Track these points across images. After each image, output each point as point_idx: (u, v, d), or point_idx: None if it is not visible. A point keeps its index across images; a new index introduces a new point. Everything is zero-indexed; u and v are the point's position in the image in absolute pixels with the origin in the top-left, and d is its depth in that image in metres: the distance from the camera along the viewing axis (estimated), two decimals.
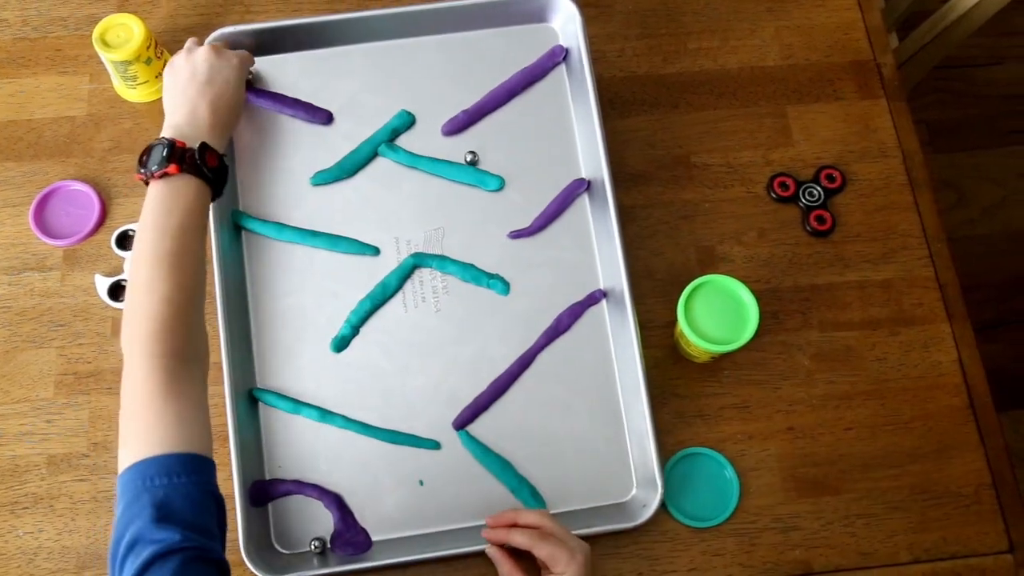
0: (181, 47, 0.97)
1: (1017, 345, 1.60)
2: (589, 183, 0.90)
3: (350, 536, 0.81)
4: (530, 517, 0.74)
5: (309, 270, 0.88)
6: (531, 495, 0.82)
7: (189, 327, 0.70)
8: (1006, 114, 1.75)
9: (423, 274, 0.88)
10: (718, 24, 1.01)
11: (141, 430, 0.65)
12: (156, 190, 0.74)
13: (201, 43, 0.86)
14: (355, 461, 0.84)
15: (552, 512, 0.82)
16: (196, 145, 0.76)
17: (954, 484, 0.86)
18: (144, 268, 0.70)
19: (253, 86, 0.92)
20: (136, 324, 0.68)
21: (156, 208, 0.73)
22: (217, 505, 0.65)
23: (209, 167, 0.76)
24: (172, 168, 0.73)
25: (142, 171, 0.74)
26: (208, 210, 0.78)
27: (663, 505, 0.82)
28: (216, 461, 0.83)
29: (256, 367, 0.86)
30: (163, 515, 0.60)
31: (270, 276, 0.88)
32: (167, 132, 0.77)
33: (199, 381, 0.70)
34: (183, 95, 0.80)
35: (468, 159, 0.90)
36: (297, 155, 0.91)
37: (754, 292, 0.81)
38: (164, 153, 0.74)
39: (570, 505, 0.83)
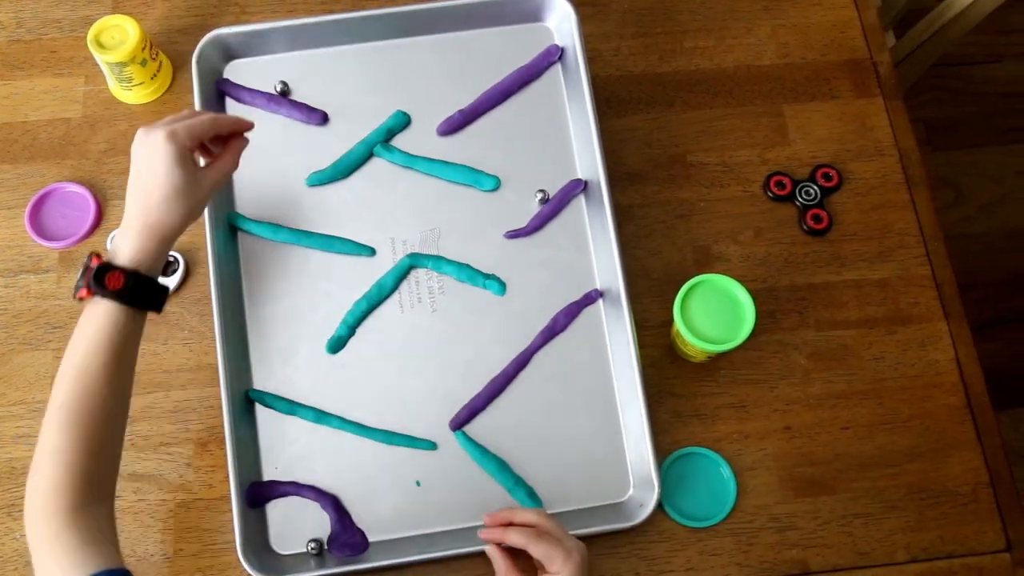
0: (176, 48, 0.98)
1: (1015, 343, 1.59)
2: (585, 183, 0.90)
3: (347, 537, 0.81)
4: (526, 516, 0.74)
5: (305, 271, 0.88)
6: (528, 495, 0.82)
7: (89, 478, 0.66)
8: (1004, 112, 1.75)
9: (419, 274, 0.88)
10: (714, 23, 1.01)
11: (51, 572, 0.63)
12: (81, 317, 0.69)
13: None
14: (352, 462, 0.84)
15: (549, 512, 0.81)
16: (107, 260, 0.69)
17: (951, 483, 0.86)
18: (48, 413, 0.67)
19: (288, 96, 0.92)
20: (35, 476, 0.66)
21: (71, 341, 0.68)
22: None
23: (111, 290, 0.67)
24: (83, 292, 0.68)
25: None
26: (130, 335, 0.69)
27: (660, 505, 0.82)
28: (213, 462, 0.84)
29: (252, 368, 0.86)
30: None
31: (266, 277, 0.88)
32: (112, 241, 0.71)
33: (104, 510, 0.67)
34: (127, 194, 0.72)
35: (539, 198, 0.89)
36: (292, 156, 0.91)
37: (750, 291, 0.81)
38: (80, 274, 0.69)
39: (567, 505, 0.83)
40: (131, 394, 0.72)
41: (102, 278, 0.67)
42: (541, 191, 0.89)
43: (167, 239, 0.72)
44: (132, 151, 0.72)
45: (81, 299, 0.69)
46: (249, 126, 0.78)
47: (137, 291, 0.69)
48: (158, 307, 0.72)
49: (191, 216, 0.73)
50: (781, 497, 0.85)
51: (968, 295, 0.93)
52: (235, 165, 0.77)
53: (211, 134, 0.75)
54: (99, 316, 0.68)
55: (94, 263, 0.68)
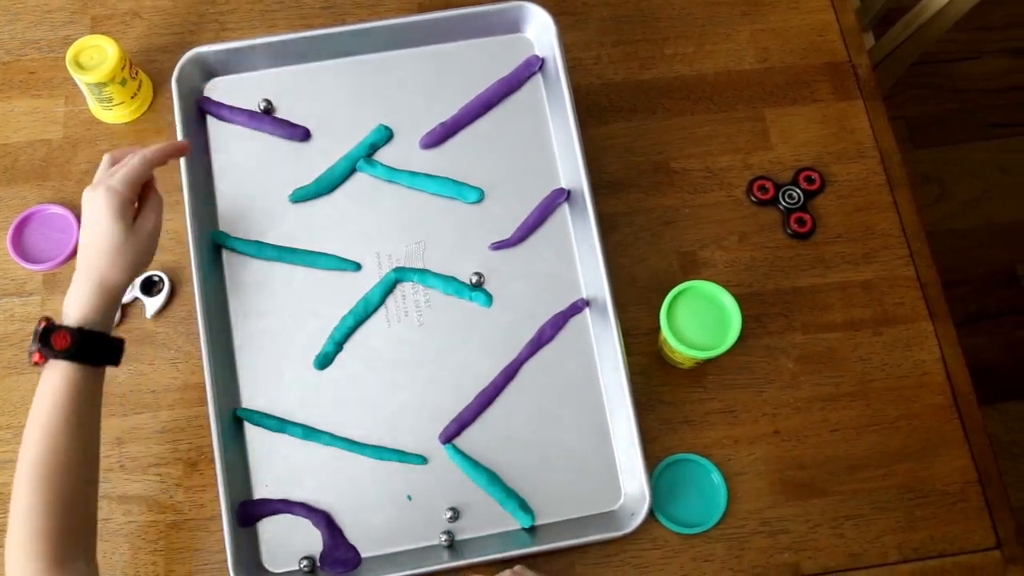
0: (156, 67, 0.98)
1: (1000, 338, 1.60)
2: (568, 192, 0.90)
3: (339, 554, 0.81)
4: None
5: (290, 288, 0.88)
6: (519, 507, 0.82)
7: (64, 537, 0.66)
8: (985, 108, 1.76)
9: (405, 288, 0.88)
10: (693, 29, 1.01)
11: None
12: (40, 378, 0.69)
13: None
14: (342, 478, 0.83)
15: (540, 523, 0.82)
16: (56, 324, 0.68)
17: (940, 482, 0.86)
18: (18, 472, 0.67)
19: (271, 113, 0.91)
20: (10, 535, 0.66)
21: (33, 401, 0.68)
22: None
23: (58, 350, 0.67)
24: (36, 357, 0.68)
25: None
26: (88, 391, 0.69)
27: (651, 513, 0.82)
28: (203, 482, 0.84)
29: (240, 386, 0.85)
30: None
31: (251, 295, 0.88)
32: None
33: (83, 567, 0.67)
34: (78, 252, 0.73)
35: (473, 280, 0.87)
36: (275, 172, 0.91)
37: (736, 296, 0.81)
38: (32, 338, 0.69)
39: (558, 515, 0.83)
40: (99, 448, 0.72)
41: (48, 339, 0.68)
42: (476, 274, 0.87)
43: (113, 294, 0.72)
44: (82, 209, 0.73)
45: (36, 364, 0.69)
46: (182, 147, 0.79)
47: (86, 348, 0.69)
48: (115, 361, 0.72)
49: (136, 269, 0.73)
50: (772, 501, 0.85)
51: (953, 291, 0.94)
52: (158, 217, 0.76)
53: (147, 174, 0.75)
54: (54, 376, 0.68)
55: (42, 325, 0.68)
